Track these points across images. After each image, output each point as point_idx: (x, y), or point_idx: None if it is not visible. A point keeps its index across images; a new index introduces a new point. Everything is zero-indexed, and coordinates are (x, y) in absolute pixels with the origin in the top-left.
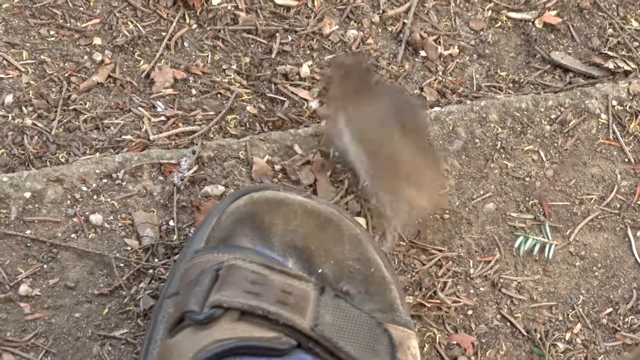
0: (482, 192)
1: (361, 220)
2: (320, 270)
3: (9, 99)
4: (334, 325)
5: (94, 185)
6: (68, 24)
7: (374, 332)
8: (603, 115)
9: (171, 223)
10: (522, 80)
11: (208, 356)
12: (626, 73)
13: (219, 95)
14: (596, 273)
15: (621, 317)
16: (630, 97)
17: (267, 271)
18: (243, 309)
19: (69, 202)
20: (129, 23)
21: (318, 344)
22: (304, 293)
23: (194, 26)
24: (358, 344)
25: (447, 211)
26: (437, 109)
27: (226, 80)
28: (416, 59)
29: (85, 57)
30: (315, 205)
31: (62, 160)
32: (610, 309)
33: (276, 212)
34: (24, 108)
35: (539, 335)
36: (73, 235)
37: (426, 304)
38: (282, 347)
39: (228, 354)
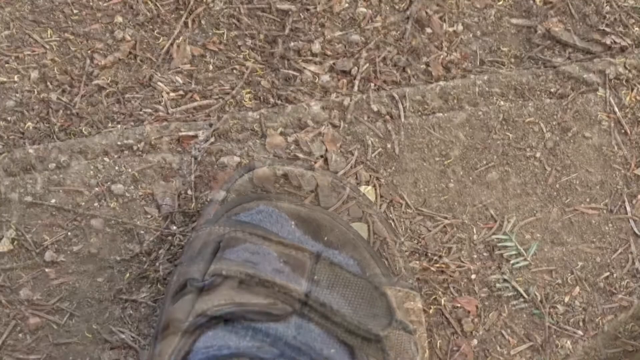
0: (485, 162)
1: (370, 189)
2: (325, 238)
3: (35, 74)
4: (330, 291)
5: (116, 156)
6: (91, 3)
7: (372, 296)
8: (601, 89)
9: (189, 192)
10: (523, 55)
11: (206, 320)
12: (622, 49)
13: (234, 71)
14: (594, 239)
15: (618, 281)
16: (627, 71)
17: (265, 242)
18: (241, 278)
19: (92, 172)
20: (149, 2)
21: (313, 309)
22: (300, 262)
23: (211, 4)
24: (354, 308)
25: (452, 180)
26: (442, 83)
27: (241, 56)
28: (422, 36)
29: (107, 35)
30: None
31: (86, 132)
32: (607, 273)
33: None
34: (49, 83)
35: (539, 298)
36: (96, 204)
37: (432, 269)
38: (277, 313)
39: (225, 318)
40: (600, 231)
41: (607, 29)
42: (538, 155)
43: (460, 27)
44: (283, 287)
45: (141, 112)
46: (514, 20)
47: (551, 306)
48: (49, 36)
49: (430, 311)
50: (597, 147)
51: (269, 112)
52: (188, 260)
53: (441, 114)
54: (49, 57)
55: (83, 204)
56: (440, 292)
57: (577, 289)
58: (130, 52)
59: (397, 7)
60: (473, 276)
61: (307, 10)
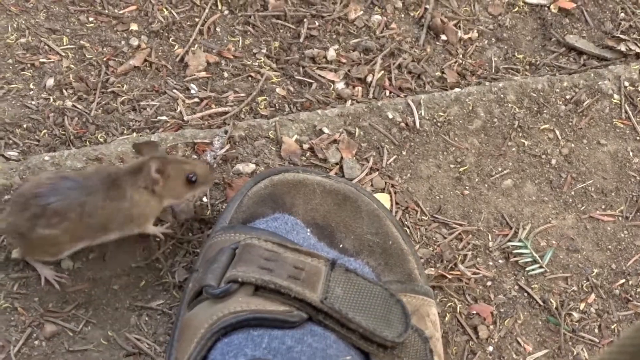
0: (500, 169)
1: (385, 196)
2: (341, 245)
3: (50, 82)
4: (345, 298)
5: None
6: (106, 11)
7: (387, 303)
8: (616, 96)
9: (205, 199)
10: (538, 62)
11: (222, 326)
12: (637, 55)
13: (249, 78)
14: (609, 246)
15: (633, 288)
16: None
17: (280, 249)
18: (257, 284)
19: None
20: (164, 9)
21: (328, 316)
22: (316, 269)
23: (226, 12)
24: (370, 314)
25: (467, 187)
26: (457, 90)
27: (256, 64)
28: (437, 43)
29: (123, 42)
30: (333, 184)
31: (101, 140)
32: (623, 280)
33: (296, 193)
34: (64, 90)
35: (554, 305)
36: None
37: (447, 276)
38: (293, 320)
39: (242, 325)
40: (615, 238)
41: (622, 36)
42: (553, 162)
43: (475, 34)
44: (299, 294)
45: (156, 120)
46: (528, 28)
47: (567, 313)
48: (64, 44)
49: (446, 318)
50: (613, 154)
51: (284, 119)
52: (204, 267)
53: (456, 121)
54: (65, 64)
55: None
56: (455, 299)
57: (593, 296)
58: (145, 60)
59: (412, 14)
60: (489, 283)
61: (322, 17)
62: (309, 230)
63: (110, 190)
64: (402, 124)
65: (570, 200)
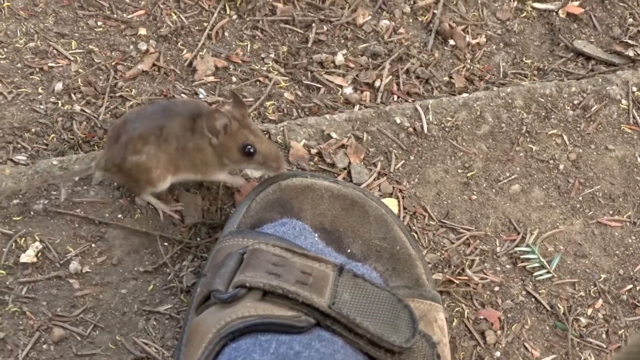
0: (508, 174)
1: (393, 201)
2: (349, 250)
3: (59, 86)
4: (352, 303)
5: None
6: (115, 15)
7: (395, 308)
8: (624, 101)
9: (213, 204)
10: (546, 67)
11: (230, 331)
12: None
13: (258, 83)
14: (617, 252)
15: None
16: None
17: (288, 254)
18: (265, 289)
19: (115, 184)
20: (173, 14)
21: (336, 322)
22: (323, 274)
23: (234, 17)
24: (377, 320)
25: (474, 192)
26: (465, 95)
27: (265, 68)
28: (445, 48)
29: (131, 47)
30: (341, 189)
31: None
32: (630, 286)
33: (304, 198)
34: (73, 95)
35: (562, 311)
36: (120, 216)
37: (455, 281)
38: (301, 325)
39: (249, 330)
40: (623, 243)
41: (630, 41)
42: (561, 167)
43: (483, 39)
44: (306, 299)
45: None
46: (537, 33)
47: (574, 318)
48: (73, 48)
49: (453, 323)
50: (620, 159)
51: (292, 124)
52: (212, 272)
53: (464, 126)
54: (73, 69)
55: (107, 215)
56: (463, 304)
57: (600, 301)
58: (154, 64)
59: (420, 19)
60: (496, 288)
61: (330, 22)
62: (316, 235)
63: (187, 123)
64: (410, 129)
65: (578, 205)
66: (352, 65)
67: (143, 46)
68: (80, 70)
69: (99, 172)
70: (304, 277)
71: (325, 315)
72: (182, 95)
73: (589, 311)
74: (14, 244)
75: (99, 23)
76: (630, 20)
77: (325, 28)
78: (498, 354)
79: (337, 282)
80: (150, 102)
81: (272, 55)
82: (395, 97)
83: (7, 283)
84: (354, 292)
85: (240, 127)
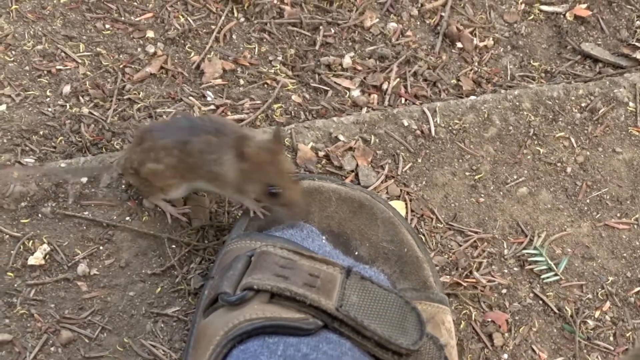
0: (515, 177)
1: (400, 204)
2: (356, 253)
3: (67, 89)
4: (360, 306)
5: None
6: (122, 18)
7: (402, 311)
8: (631, 104)
9: (221, 206)
10: (553, 70)
11: (238, 334)
12: None
13: (265, 85)
14: (624, 254)
15: None
16: None
17: (296, 256)
18: (272, 291)
19: (123, 186)
20: (180, 17)
21: (343, 324)
22: (331, 276)
23: (242, 20)
24: (385, 322)
25: (482, 195)
26: (472, 97)
27: (272, 71)
28: (453, 50)
29: (139, 49)
30: (349, 192)
31: (117, 147)
32: (638, 288)
33: (312, 200)
34: (81, 97)
35: (569, 313)
36: (127, 218)
37: (462, 283)
38: (309, 327)
39: (257, 332)
40: (630, 246)
41: (638, 44)
42: (568, 170)
43: (490, 42)
44: (314, 302)
45: None
46: (544, 35)
47: (582, 321)
48: (81, 51)
49: (461, 325)
50: (628, 162)
51: (299, 126)
52: (219, 274)
53: (472, 129)
54: (81, 71)
55: (115, 217)
56: (470, 307)
57: (608, 303)
58: (161, 67)
59: (427, 22)
60: (504, 291)
61: (338, 25)
62: (324, 237)
63: (216, 139)
64: (418, 132)
65: (586, 208)
66: (359, 67)
67: (151, 49)
68: (88, 73)
69: (115, 171)
70: (311, 279)
71: (332, 318)
72: (190, 97)
73: (597, 313)
74: (21, 247)
75: (107, 26)
76: (638, 22)
77: (333, 31)
78: (505, 356)
79: (345, 285)
80: (181, 116)
81: (279, 58)
82: (403, 100)
83: (15, 285)
84: (361, 295)
85: (272, 164)
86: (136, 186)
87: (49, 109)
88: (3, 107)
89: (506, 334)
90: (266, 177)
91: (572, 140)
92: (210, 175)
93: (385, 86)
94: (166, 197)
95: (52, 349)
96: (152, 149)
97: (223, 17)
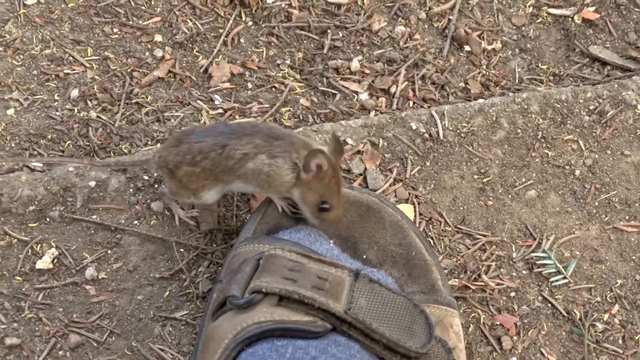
0: (524, 180)
1: (409, 207)
2: (364, 256)
3: (74, 93)
4: (369, 309)
5: (155, 174)
6: (130, 22)
7: (411, 314)
8: (639, 106)
9: (229, 210)
10: (562, 73)
11: (246, 337)
12: None
13: (273, 89)
14: (633, 257)
15: None
16: None
17: (304, 259)
18: (281, 294)
19: (131, 190)
20: (188, 21)
21: (352, 327)
22: (339, 279)
23: (250, 23)
24: (394, 325)
25: (490, 198)
26: (480, 100)
27: (280, 75)
28: (461, 54)
29: (147, 53)
30: (357, 195)
31: (125, 151)
32: None
33: None
34: (89, 102)
35: (578, 316)
36: (136, 222)
37: (471, 286)
38: (317, 330)
39: (265, 335)
40: (639, 249)
41: None
42: (577, 172)
43: (499, 45)
44: (322, 305)
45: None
46: (552, 38)
47: (590, 324)
48: (89, 55)
49: (470, 329)
50: (636, 165)
51: (307, 130)
52: (228, 278)
53: (480, 132)
54: (89, 75)
55: (123, 221)
56: (479, 310)
57: (617, 306)
58: (169, 71)
59: (435, 25)
60: (512, 294)
61: (346, 28)
62: (332, 241)
63: (264, 142)
64: (426, 135)
65: (594, 211)
66: (367, 71)
67: (159, 53)
68: (96, 77)
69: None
70: (320, 282)
71: (341, 321)
72: (198, 101)
73: (606, 317)
74: (30, 251)
75: (115, 30)
76: None
77: (341, 34)
78: (514, 359)
79: (353, 288)
80: (221, 122)
81: (287, 62)
82: (411, 103)
83: (23, 289)
84: (370, 298)
85: (332, 178)
86: (168, 185)
87: (57, 113)
88: (11, 111)
89: (515, 337)
90: (325, 194)
91: (581, 143)
92: (253, 176)
93: (393, 89)
94: (199, 200)
95: (61, 352)
96: (189, 152)
97: (231, 21)
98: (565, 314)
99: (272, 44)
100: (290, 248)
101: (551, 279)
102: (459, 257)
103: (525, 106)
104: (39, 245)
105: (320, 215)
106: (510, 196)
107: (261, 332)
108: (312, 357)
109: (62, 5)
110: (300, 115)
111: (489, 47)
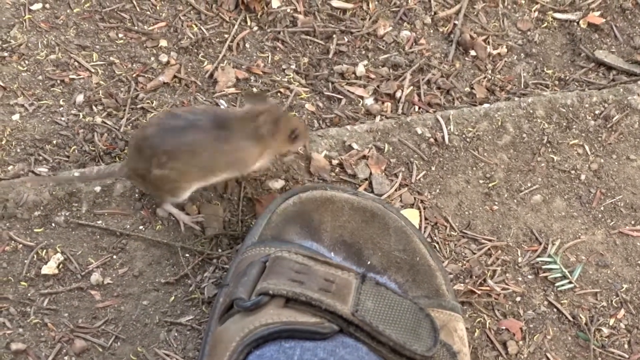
0: (529, 185)
1: (414, 212)
2: (369, 262)
3: (80, 98)
4: (375, 311)
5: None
6: (136, 27)
7: (417, 317)
8: None
9: (234, 215)
10: (567, 77)
11: (254, 339)
12: None
13: (279, 94)
14: (639, 262)
15: None
16: None
17: (311, 262)
18: (288, 296)
19: (137, 195)
20: (194, 26)
21: (359, 329)
22: (346, 282)
23: (255, 28)
24: (400, 328)
25: (496, 202)
26: (486, 105)
27: (286, 80)
28: (466, 58)
29: (152, 59)
30: (361, 201)
31: None
32: None
33: (324, 210)
34: (94, 107)
35: (584, 321)
36: (141, 227)
37: (476, 291)
38: (324, 332)
39: (273, 337)
40: None
41: None
42: (582, 177)
43: (504, 50)
44: (329, 306)
45: None
46: (558, 43)
47: (596, 329)
48: (94, 60)
49: (475, 333)
50: None
51: (313, 135)
52: (234, 281)
53: (485, 137)
54: (94, 80)
55: (128, 226)
56: (485, 315)
57: (622, 311)
58: (175, 76)
59: (440, 30)
60: (518, 299)
61: (351, 33)
62: (332, 254)
63: (219, 132)
64: (431, 140)
65: (600, 215)
66: (373, 76)
67: (164, 58)
68: (102, 82)
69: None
70: (326, 284)
71: (348, 323)
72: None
73: (611, 321)
74: (35, 256)
75: (120, 35)
76: None
77: (346, 39)
78: None
79: (360, 290)
80: (171, 114)
81: (293, 67)
82: (417, 108)
83: (29, 295)
84: (376, 300)
85: (280, 117)
86: (147, 192)
87: (62, 119)
88: (16, 116)
89: (520, 342)
90: (288, 127)
91: (586, 147)
92: (228, 163)
93: (398, 94)
94: (177, 200)
95: (66, 358)
96: (154, 155)
97: (236, 26)
98: (571, 319)
99: (278, 49)
100: (296, 250)
101: (557, 284)
102: (465, 262)
103: (531, 111)
104: (45, 251)
105: (296, 142)
106: (515, 201)
107: (269, 333)
108: (321, 359)
109: (68, 11)
110: (306, 120)
111: (495, 52)
